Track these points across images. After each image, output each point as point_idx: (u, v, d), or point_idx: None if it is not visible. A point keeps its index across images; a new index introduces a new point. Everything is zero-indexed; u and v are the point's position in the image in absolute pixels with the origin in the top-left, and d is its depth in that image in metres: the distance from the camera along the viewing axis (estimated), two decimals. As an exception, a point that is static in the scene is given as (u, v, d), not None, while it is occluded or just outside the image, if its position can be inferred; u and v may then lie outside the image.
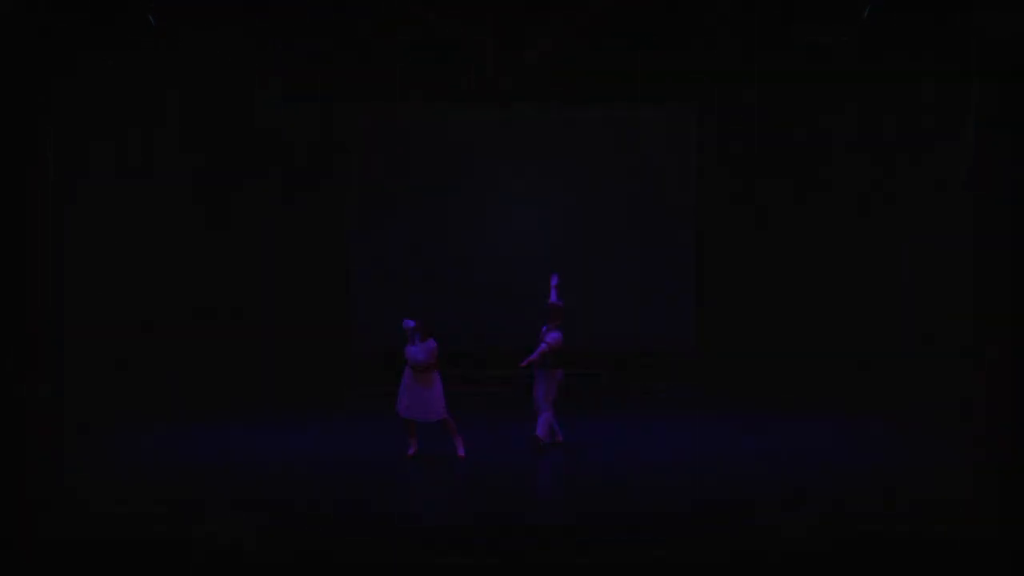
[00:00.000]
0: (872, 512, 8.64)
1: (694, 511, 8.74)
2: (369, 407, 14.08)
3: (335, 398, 14.69)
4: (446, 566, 7.59)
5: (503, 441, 11.87)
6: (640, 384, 15.12)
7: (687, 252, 15.42)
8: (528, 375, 11.29)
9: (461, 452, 10.74)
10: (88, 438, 11.84)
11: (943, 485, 9.58)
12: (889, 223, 14.53)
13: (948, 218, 13.82)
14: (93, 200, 13.97)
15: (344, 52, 14.71)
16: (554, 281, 11.52)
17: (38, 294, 13.18)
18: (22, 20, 12.25)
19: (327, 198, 15.36)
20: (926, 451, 11.17)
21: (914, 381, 13.99)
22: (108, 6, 12.96)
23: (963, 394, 13.11)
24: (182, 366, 14.68)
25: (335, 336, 15.28)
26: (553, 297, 11.35)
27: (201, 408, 13.86)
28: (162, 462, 10.67)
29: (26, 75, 12.65)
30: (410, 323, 10.60)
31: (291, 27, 14.54)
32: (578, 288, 15.35)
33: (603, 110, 15.42)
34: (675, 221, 15.42)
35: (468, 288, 15.37)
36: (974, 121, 13.36)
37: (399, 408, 10.66)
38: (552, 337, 10.88)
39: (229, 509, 8.75)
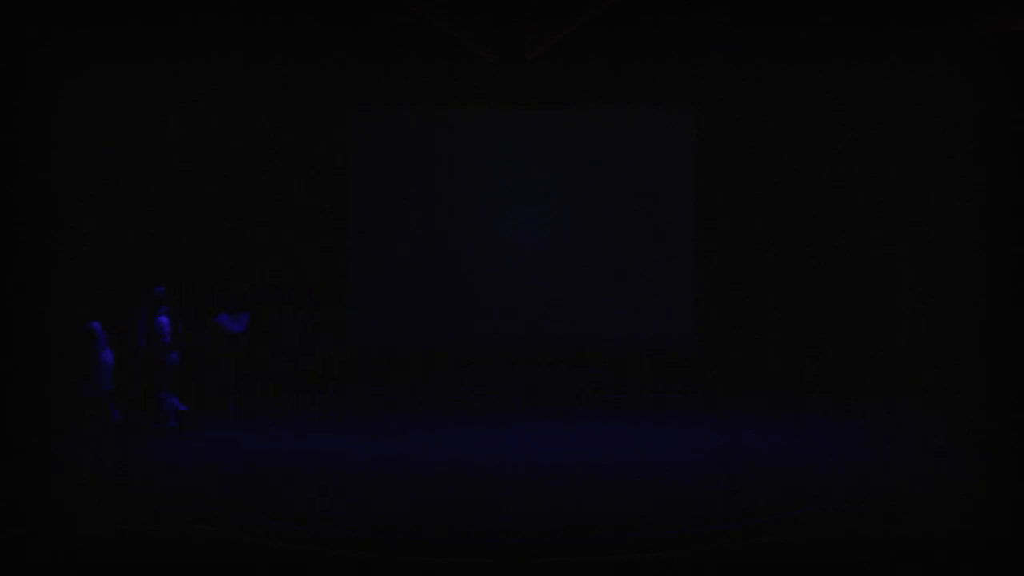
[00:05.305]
0: (870, 512, 8.64)
1: (693, 511, 8.74)
2: (368, 407, 14.07)
3: (333, 397, 14.67)
4: (445, 566, 7.60)
5: (501, 441, 11.88)
6: (640, 384, 15.10)
7: (687, 252, 15.40)
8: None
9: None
10: (87, 438, 11.84)
11: (943, 485, 9.58)
12: (890, 222, 14.54)
13: (948, 217, 13.84)
14: (92, 199, 13.97)
15: (344, 52, 14.67)
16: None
17: (38, 295, 13.19)
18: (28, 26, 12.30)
19: (327, 198, 15.34)
20: (925, 451, 11.17)
21: (914, 380, 14.01)
22: (109, 8, 12.97)
23: (963, 393, 13.14)
24: (181, 365, 14.67)
25: (334, 335, 15.25)
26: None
27: (199, 407, 13.85)
28: (161, 462, 10.67)
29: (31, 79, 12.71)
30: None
31: (291, 26, 14.52)
32: (577, 287, 15.41)
33: (602, 110, 15.41)
34: (675, 220, 15.40)
35: (467, 287, 15.37)
36: (972, 120, 13.40)
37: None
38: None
39: (228, 509, 8.75)
